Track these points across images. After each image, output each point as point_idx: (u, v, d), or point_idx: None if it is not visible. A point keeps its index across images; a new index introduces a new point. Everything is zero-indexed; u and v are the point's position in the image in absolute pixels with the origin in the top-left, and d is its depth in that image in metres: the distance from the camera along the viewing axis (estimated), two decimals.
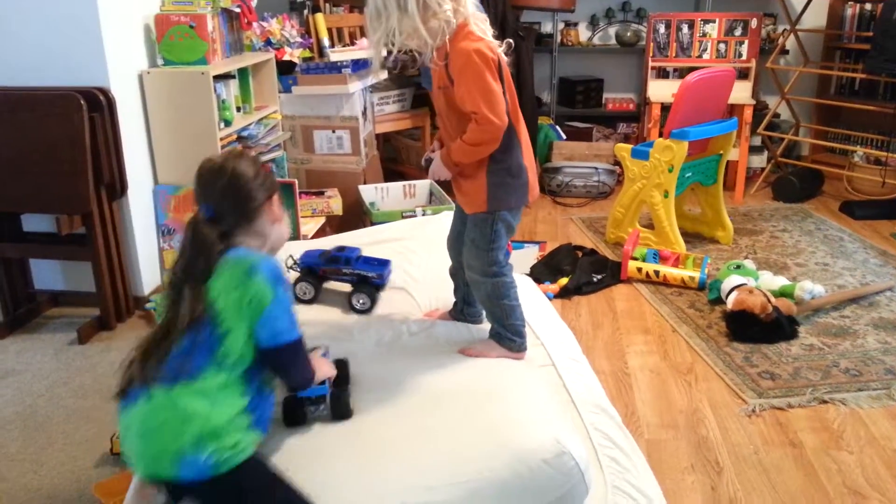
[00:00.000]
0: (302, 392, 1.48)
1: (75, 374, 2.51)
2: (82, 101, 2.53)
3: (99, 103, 2.61)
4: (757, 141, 4.73)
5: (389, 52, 1.70)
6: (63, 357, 2.65)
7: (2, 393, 2.42)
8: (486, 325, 1.90)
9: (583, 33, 5.09)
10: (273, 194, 1.47)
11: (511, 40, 1.75)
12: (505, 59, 1.71)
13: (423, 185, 3.70)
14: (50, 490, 1.96)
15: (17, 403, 2.36)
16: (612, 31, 5.06)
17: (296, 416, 1.48)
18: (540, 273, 3.26)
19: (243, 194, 1.40)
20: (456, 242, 1.91)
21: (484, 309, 1.90)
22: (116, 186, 2.73)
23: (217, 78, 2.92)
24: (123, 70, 2.77)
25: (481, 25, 1.69)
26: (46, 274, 3.00)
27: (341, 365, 1.62)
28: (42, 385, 2.47)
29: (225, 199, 1.40)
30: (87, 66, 2.66)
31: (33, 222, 2.90)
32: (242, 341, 1.32)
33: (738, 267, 3.05)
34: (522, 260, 3.46)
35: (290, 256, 2.10)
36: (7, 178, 2.63)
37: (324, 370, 1.53)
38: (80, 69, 2.67)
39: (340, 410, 1.50)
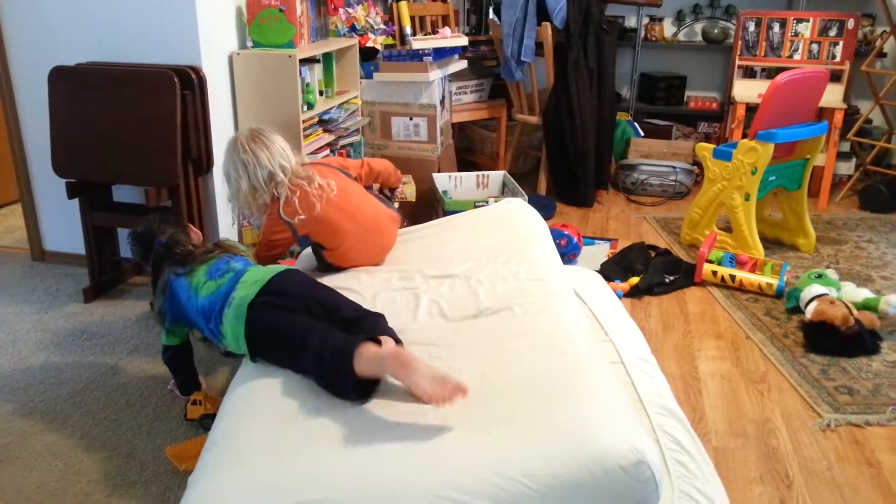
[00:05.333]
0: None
1: (154, 340, 2.61)
2: (175, 79, 2.62)
3: (191, 81, 2.69)
4: (845, 147, 4.54)
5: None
6: (144, 323, 2.76)
7: (86, 354, 2.55)
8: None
9: (668, 29, 4.97)
10: None
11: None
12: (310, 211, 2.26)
13: (496, 176, 3.69)
14: (127, 449, 2.05)
15: (100, 365, 2.49)
16: (698, 27, 4.93)
17: None
18: (610, 271, 3.22)
19: None
20: None
21: None
22: (203, 162, 2.82)
23: (303, 61, 2.98)
24: (215, 50, 2.86)
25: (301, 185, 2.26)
26: None
27: None
28: (124, 349, 2.59)
29: None
30: (182, 45, 2.76)
31: (122, 193, 3.03)
32: None
33: (820, 276, 2.95)
34: (593, 256, 3.42)
35: None
36: (106, 151, 2.74)
37: None
38: (175, 48, 2.77)
39: None
